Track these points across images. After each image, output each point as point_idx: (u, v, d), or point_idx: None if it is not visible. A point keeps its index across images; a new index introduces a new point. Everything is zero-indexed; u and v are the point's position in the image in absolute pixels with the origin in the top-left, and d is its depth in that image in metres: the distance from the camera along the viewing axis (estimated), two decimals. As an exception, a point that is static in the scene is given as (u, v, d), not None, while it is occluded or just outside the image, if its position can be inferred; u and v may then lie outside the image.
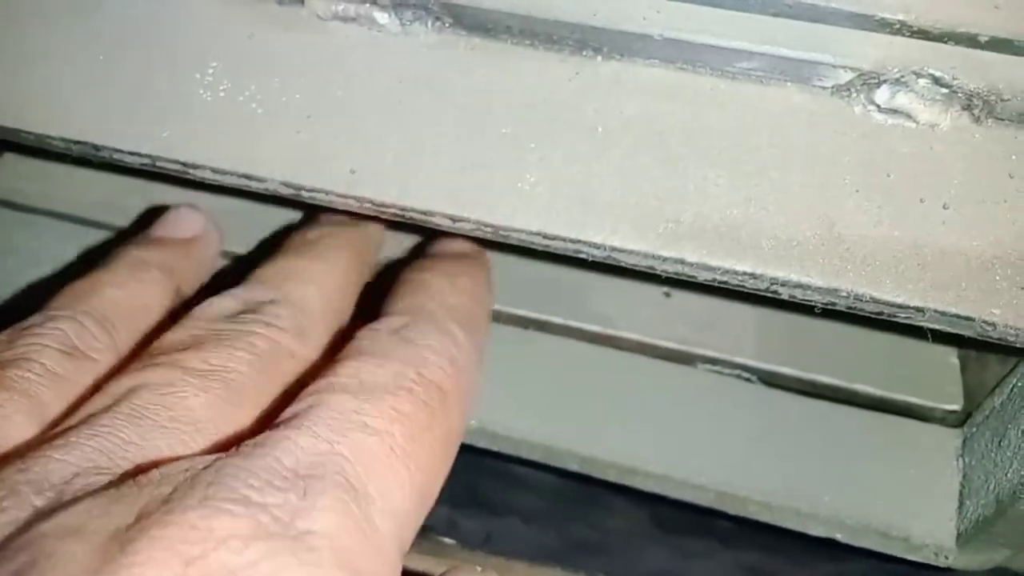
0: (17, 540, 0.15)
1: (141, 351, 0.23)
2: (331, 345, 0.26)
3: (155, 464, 0.17)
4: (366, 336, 0.24)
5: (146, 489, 0.15)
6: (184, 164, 0.26)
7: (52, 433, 0.19)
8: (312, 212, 0.34)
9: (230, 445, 0.18)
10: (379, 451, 0.18)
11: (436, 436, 0.21)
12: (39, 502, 0.16)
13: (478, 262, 0.31)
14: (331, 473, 0.17)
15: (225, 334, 0.23)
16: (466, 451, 0.35)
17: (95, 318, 0.25)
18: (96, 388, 0.22)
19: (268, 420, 0.20)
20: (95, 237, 0.38)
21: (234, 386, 0.21)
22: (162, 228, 0.32)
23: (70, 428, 0.19)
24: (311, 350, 0.25)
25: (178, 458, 0.18)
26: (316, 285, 0.27)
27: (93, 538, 0.14)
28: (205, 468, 0.16)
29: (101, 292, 0.26)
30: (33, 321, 0.24)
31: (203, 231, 0.32)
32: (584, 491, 0.40)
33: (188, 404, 0.20)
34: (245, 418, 0.22)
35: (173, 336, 0.23)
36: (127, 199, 0.38)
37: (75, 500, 0.16)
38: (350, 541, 0.16)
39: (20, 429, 0.20)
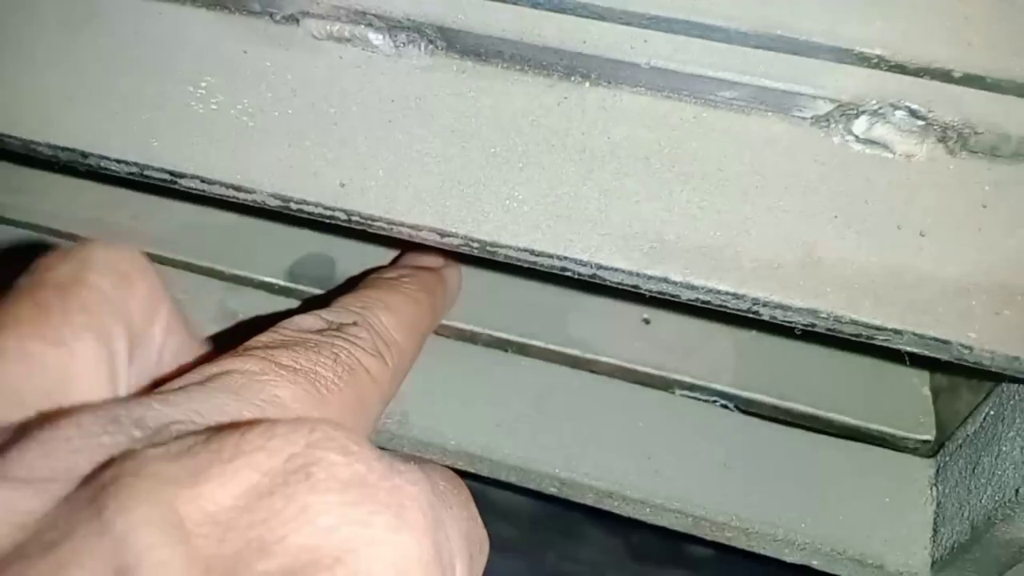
0: (119, 457, 0.15)
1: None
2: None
3: (249, 423, 0.17)
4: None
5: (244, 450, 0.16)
6: (172, 174, 0.26)
7: (148, 393, 0.20)
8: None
9: None
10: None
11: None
12: (138, 434, 0.17)
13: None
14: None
15: (312, 342, 0.24)
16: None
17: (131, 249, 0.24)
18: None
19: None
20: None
21: (319, 387, 0.22)
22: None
23: (167, 391, 0.19)
24: (386, 374, 0.26)
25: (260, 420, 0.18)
26: (394, 315, 0.28)
27: (185, 463, 0.15)
28: (300, 448, 0.16)
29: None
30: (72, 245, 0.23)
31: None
32: (558, 520, 0.39)
33: (278, 392, 0.21)
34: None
35: (264, 337, 0.24)
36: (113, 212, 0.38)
37: (174, 435, 0.16)
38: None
39: (92, 363, 0.20)
